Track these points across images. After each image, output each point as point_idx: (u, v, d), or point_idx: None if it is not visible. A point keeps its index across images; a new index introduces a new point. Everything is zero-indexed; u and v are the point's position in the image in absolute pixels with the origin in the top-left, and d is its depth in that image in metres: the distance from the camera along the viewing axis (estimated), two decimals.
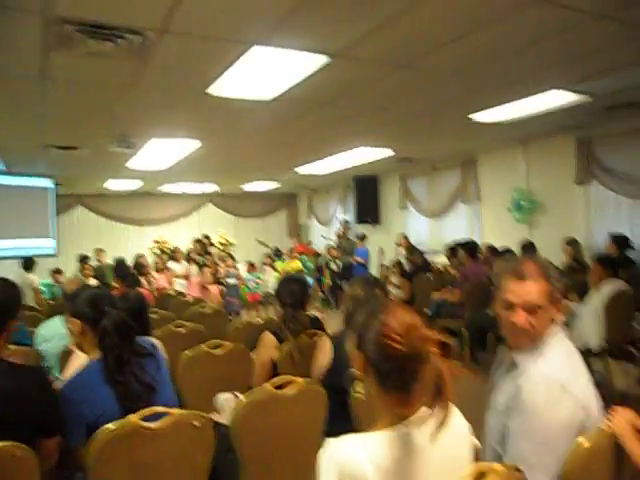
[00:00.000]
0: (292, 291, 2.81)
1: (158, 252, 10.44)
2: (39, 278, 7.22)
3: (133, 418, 1.59)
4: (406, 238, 9.32)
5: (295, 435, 1.82)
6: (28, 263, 7.18)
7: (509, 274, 1.58)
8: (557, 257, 6.86)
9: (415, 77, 4.20)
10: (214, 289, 8.00)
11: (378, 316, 1.17)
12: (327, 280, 8.71)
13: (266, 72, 3.97)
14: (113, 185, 10.32)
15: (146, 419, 1.63)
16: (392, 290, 6.50)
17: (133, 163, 7.76)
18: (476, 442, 1.33)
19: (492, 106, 5.41)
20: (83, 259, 7.87)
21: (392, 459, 1.08)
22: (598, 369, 4.25)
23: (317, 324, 2.96)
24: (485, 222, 8.64)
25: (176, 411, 1.65)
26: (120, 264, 6.73)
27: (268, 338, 2.75)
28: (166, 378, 1.95)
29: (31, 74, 3.76)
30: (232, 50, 3.54)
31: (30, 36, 3.14)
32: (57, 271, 7.36)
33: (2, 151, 6.54)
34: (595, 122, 6.37)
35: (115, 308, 1.91)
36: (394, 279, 6.46)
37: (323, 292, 8.73)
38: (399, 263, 6.72)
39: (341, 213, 12.10)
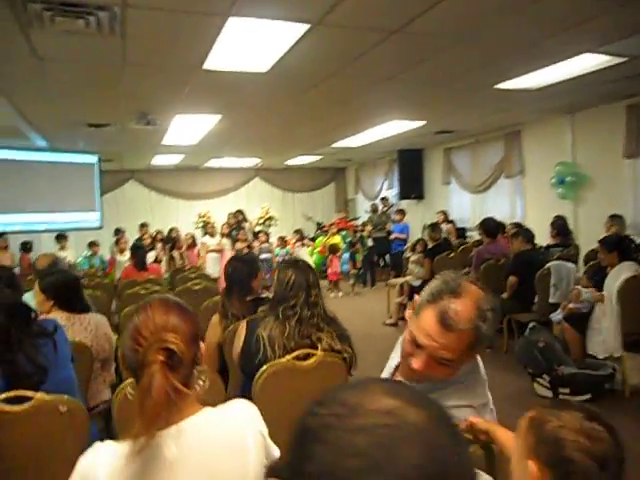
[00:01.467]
0: (225, 273, 2.75)
1: (200, 225, 10.68)
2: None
3: None
4: (444, 214, 8.97)
5: None
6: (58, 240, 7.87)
7: (435, 311, 1.20)
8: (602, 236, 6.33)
9: (411, 44, 3.91)
10: None
11: (138, 313, 1.07)
12: (360, 256, 8.56)
13: (252, 44, 3.84)
14: (159, 160, 10.62)
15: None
16: (413, 267, 6.27)
17: (167, 139, 7.92)
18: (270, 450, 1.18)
19: (517, 76, 4.99)
20: (117, 232, 8.20)
21: (133, 470, 0.99)
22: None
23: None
24: (528, 198, 8.12)
25: (40, 395, 1.64)
26: (134, 243, 6.96)
27: (215, 320, 2.71)
28: (63, 360, 1.95)
29: (23, 54, 3.84)
30: (209, 23, 3.45)
31: (4, 17, 3.19)
32: (93, 243, 7.72)
33: (41, 129, 6.85)
34: None
35: (14, 288, 1.92)
36: (413, 257, 6.22)
37: (358, 269, 8.59)
38: (422, 240, 6.45)
39: (387, 188, 11.81)
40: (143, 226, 9.27)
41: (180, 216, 12.38)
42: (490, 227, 5.28)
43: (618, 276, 3.69)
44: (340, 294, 8.70)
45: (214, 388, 1.89)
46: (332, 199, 14.29)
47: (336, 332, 2.12)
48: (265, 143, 8.84)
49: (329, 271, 8.80)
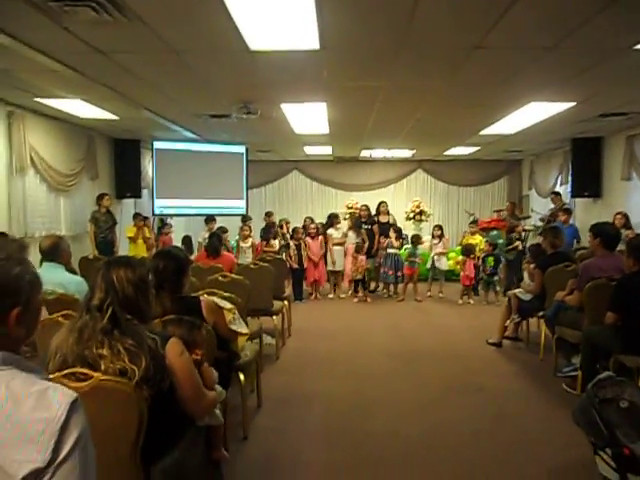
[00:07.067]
0: (155, 269, 2.46)
1: (347, 216, 10.51)
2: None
3: None
4: (624, 217, 7.22)
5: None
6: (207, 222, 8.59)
7: None
8: None
9: None
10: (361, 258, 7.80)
11: None
12: (491, 260, 7.34)
13: (276, 18, 3.49)
14: (311, 151, 10.76)
15: None
16: (525, 278, 5.16)
17: (297, 129, 7.93)
18: None
19: None
20: (244, 220, 8.49)
21: None
22: None
23: (194, 307, 2.55)
24: None
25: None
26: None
27: None
28: None
29: (83, 50, 4.07)
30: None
31: (36, 15, 3.37)
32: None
33: (177, 121, 7.44)
34: None
35: None
36: (529, 266, 5.08)
37: (488, 274, 7.43)
38: (535, 245, 5.20)
39: (560, 184, 10.07)
40: (268, 215, 9.43)
41: (338, 207, 12.43)
42: (608, 235, 3.95)
43: None
44: (471, 301, 7.70)
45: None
46: (504, 195, 12.81)
47: (131, 345, 1.67)
48: (398, 132, 8.24)
49: (462, 275, 7.84)
